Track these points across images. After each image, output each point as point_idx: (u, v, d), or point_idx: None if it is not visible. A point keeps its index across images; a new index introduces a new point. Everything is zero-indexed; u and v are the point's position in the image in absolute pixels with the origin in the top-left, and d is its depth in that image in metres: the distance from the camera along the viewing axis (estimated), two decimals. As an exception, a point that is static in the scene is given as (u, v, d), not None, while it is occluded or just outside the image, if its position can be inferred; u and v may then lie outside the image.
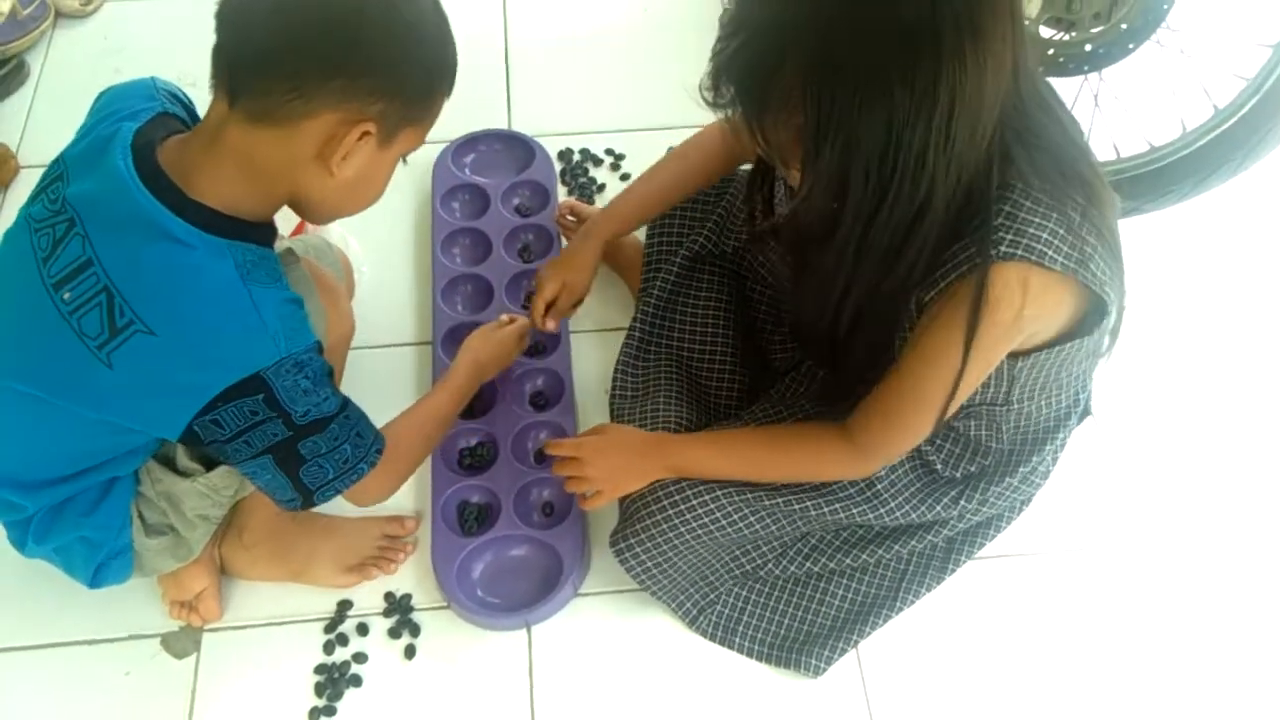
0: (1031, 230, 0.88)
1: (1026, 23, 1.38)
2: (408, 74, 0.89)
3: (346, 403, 0.98)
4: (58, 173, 0.93)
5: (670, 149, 1.35)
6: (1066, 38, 1.39)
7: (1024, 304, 0.91)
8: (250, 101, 0.86)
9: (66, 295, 0.89)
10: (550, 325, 1.29)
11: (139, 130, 0.91)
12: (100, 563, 1.08)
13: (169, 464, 1.04)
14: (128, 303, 0.87)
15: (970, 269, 0.90)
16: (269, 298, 0.89)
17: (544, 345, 1.43)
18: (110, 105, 0.96)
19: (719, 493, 1.13)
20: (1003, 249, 0.88)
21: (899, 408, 1.01)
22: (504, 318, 1.34)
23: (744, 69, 0.87)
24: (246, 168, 0.89)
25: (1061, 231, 0.89)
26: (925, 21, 0.79)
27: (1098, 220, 0.92)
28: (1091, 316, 0.96)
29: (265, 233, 0.94)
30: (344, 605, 1.23)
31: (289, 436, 0.92)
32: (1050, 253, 0.88)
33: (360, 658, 1.20)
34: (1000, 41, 0.83)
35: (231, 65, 0.86)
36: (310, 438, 0.94)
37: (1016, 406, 1.08)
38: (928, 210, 0.88)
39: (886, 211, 0.87)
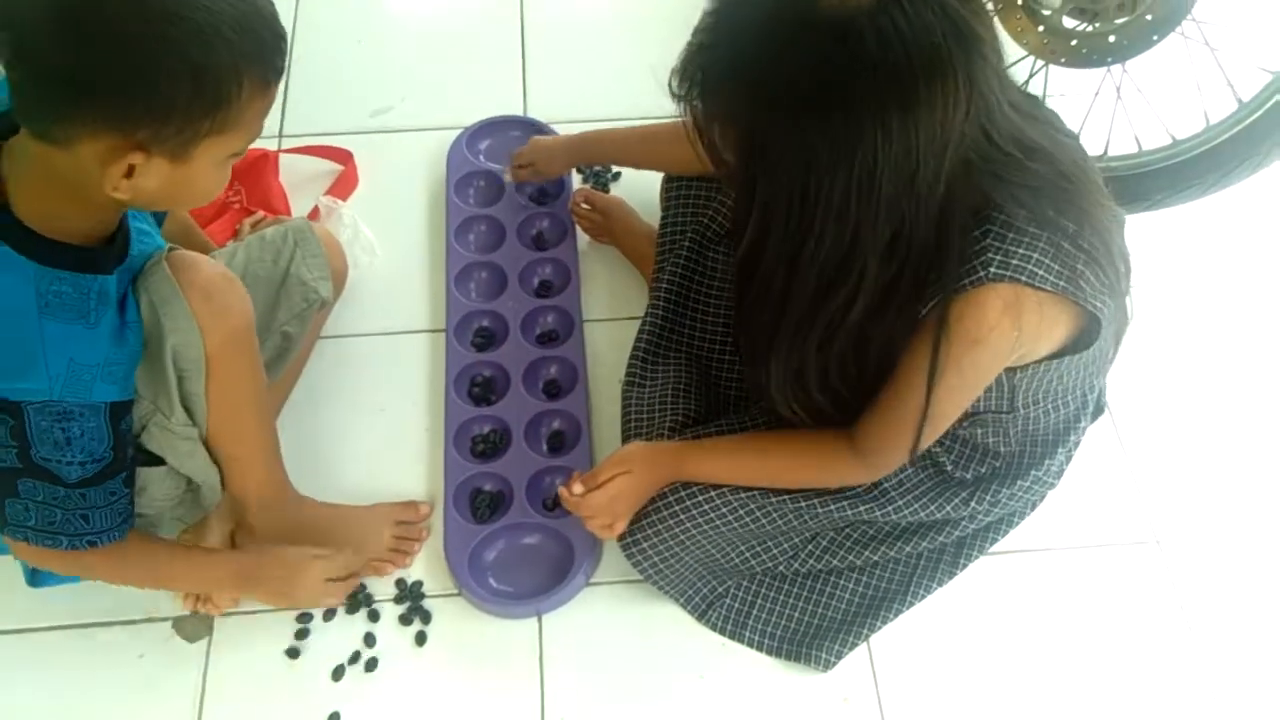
0: (1021, 251, 0.88)
1: (1049, 13, 1.38)
2: (169, 93, 0.77)
3: (87, 484, 0.93)
4: None
5: None
6: (1090, 29, 1.37)
7: (1018, 324, 0.91)
8: (24, 121, 0.81)
9: None
10: (508, 176, 1.47)
11: None
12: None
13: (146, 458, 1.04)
14: None
15: (956, 290, 0.90)
16: (63, 337, 0.86)
17: (557, 333, 1.43)
18: None
19: (725, 489, 1.13)
20: (993, 270, 0.88)
21: (902, 418, 1.00)
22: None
23: (695, 73, 0.88)
24: (52, 182, 0.84)
25: (1051, 251, 0.89)
26: (843, 89, 0.79)
27: (1090, 239, 0.92)
28: (1087, 332, 0.96)
29: (77, 256, 0.87)
30: (356, 591, 1.23)
31: (15, 468, 0.90)
32: (1040, 272, 0.89)
33: (371, 643, 1.20)
34: (942, 110, 0.81)
35: (8, 84, 0.80)
36: (32, 480, 0.91)
37: (1022, 412, 1.08)
38: (855, 255, 0.87)
39: (810, 251, 0.87)
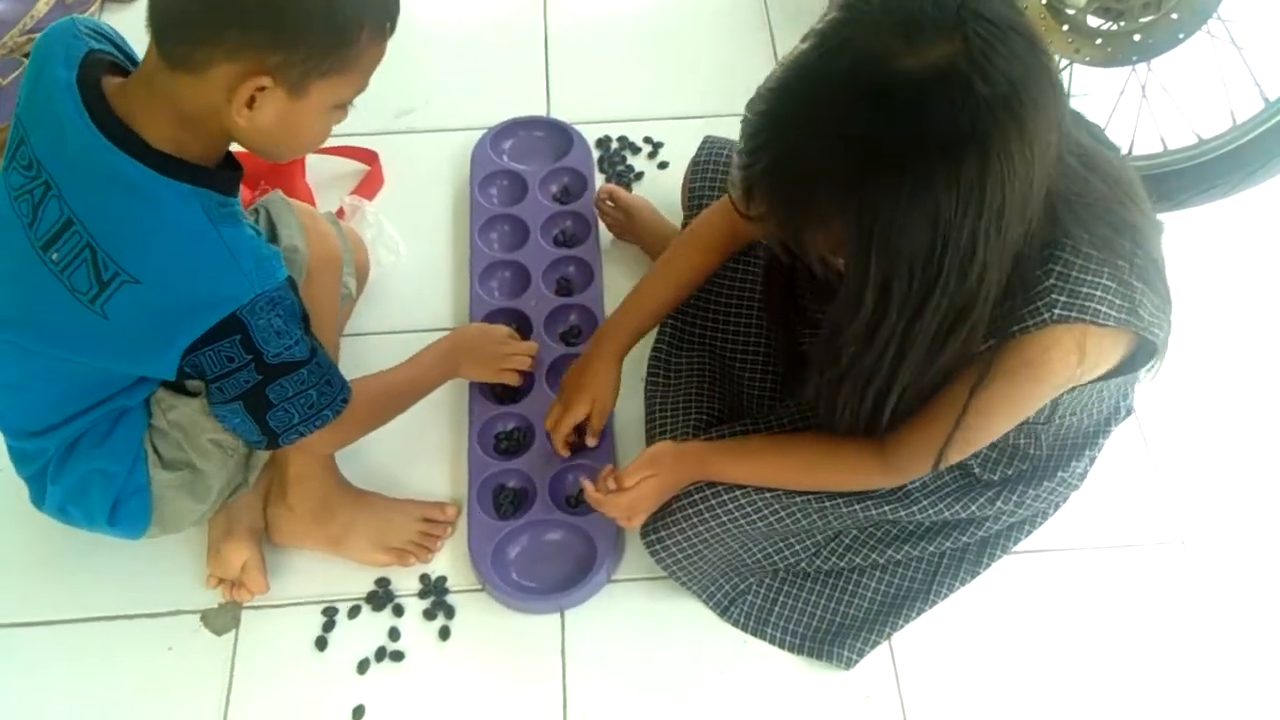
0: (1085, 290, 0.87)
1: (1073, 12, 1.38)
2: (305, 24, 0.87)
3: (315, 349, 1.00)
4: (19, 136, 0.95)
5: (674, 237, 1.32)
6: (1115, 27, 1.36)
7: (1080, 361, 0.91)
8: (165, 49, 0.88)
9: (55, 256, 0.93)
10: (590, 443, 1.26)
11: (80, 77, 0.91)
12: (116, 498, 1.10)
13: (179, 388, 1.06)
14: (110, 256, 0.91)
15: (1020, 330, 0.89)
16: (238, 237, 0.93)
17: (580, 331, 1.43)
18: (38, 54, 0.95)
19: (749, 488, 1.13)
20: (1057, 311, 0.87)
21: (943, 434, 0.98)
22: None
23: (776, 189, 0.84)
24: (178, 113, 0.90)
25: (1114, 285, 0.88)
26: (962, 135, 0.75)
27: (1143, 260, 0.91)
28: (1140, 353, 0.95)
29: (222, 177, 0.95)
30: (381, 584, 1.25)
31: (259, 381, 0.97)
32: (1104, 309, 0.88)
33: (396, 637, 1.22)
34: (1046, 125, 0.79)
35: (151, 12, 0.88)
36: (278, 381, 0.98)
37: (1058, 423, 1.08)
38: (978, 297, 0.84)
39: (933, 307, 0.84)
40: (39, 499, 1.14)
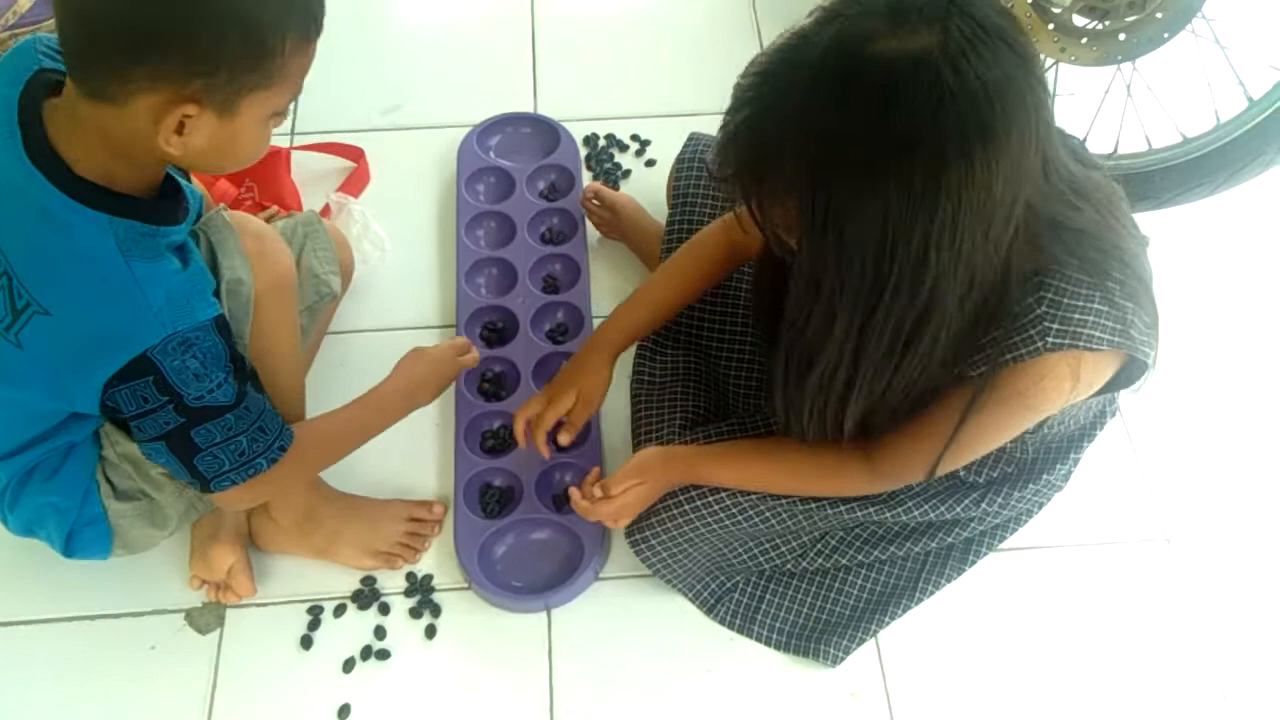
0: (1077, 316, 0.87)
1: (1059, 11, 1.38)
2: (221, 46, 0.82)
3: (245, 395, 0.96)
4: None
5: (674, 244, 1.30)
6: (1100, 27, 1.37)
7: (1074, 387, 0.91)
8: (79, 80, 0.84)
9: None
10: (563, 439, 1.20)
11: (22, 98, 0.88)
12: (70, 530, 1.09)
13: (124, 426, 1.03)
14: (23, 284, 0.88)
15: (1014, 358, 0.89)
16: (153, 273, 0.89)
17: (567, 328, 1.43)
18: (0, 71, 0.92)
19: (734, 489, 1.14)
20: (1050, 340, 0.87)
21: (930, 450, 0.99)
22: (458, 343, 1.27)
23: (746, 147, 0.84)
24: (104, 140, 0.87)
25: (1105, 309, 0.88)
26: (922, 128, 0.75)
27: (1132, 280, 0.91)
28: (1130, 368, 0.95)
29: (151, 207, 0.91)
30: (366, 583, 1.24)
31: (181, 423, 0.93)
32: (1097, 334, 0.88)
33: (381, 636, 1.21)
34: (1018, 143, 0.78)
35: (59, 43, 0.85)
36: (203, 425, 0.94)
37: (1044, 430, 1.09)
38: (934, 309, 0.84)
39: (884, 308, 0.83)
40: (4, 521, 1.12)
